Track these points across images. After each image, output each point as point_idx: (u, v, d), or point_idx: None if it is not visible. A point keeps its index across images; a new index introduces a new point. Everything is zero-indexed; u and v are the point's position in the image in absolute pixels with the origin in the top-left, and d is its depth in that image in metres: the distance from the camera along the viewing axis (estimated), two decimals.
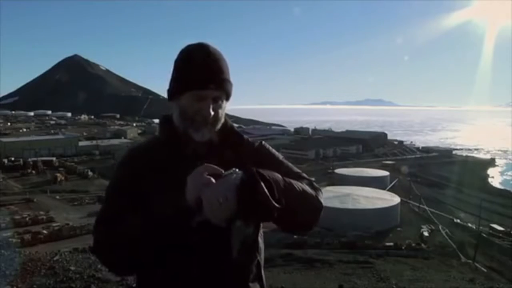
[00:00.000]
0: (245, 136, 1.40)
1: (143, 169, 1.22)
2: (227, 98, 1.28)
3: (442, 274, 20.52)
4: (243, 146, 1.34)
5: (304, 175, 1.30)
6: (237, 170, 1.01)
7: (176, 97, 1.25)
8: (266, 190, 0.96)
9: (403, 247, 26.98)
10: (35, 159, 59.28)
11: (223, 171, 1.02)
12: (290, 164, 1.35)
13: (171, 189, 1.07)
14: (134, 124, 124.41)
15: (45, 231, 27.49)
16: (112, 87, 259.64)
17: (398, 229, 32.41)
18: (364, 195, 36.96)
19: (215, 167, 1.03)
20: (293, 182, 1.15)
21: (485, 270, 23.15)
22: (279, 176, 1.09)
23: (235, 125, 1.41)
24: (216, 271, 1.18)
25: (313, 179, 1.29)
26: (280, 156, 1.38)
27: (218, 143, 1.27)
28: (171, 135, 1.27)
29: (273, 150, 1.40)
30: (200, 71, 1.20)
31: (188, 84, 1.21)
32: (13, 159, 59.51)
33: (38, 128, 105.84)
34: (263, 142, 1.40)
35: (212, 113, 1.21)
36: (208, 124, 1.22)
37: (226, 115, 1.31)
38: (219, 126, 1.27)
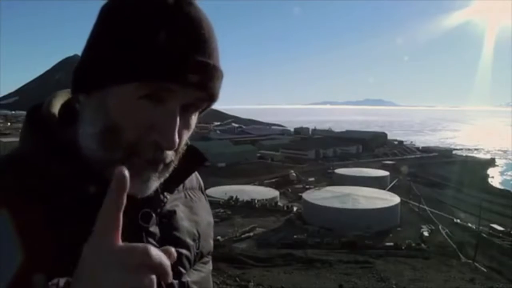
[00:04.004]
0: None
1: None
2: (209, 105, 0.62)
3: (442, 274, 20.54)
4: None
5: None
6: None
7: (101, 88, 0.55)
8: None
9: (403, 247, 27.01)
10: None
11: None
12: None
13: None
14: None
15: None
16: None
17: (398, 229, 32.45)
18: (364, 195, 37.00)
19: None
20: None
21: (485, 270, 23.18)
22: None
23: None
24: None
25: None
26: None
27: (165, 192, 0.66)
28: (73, 170, 0.57)
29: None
30: (176, 39, 0.53)
31: (142, 64, 0.52)
32: None
33: None
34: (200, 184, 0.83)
35: (177, 139, 0.56)
36: (160, 164, 0.58)
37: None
38: (173, 164, 0.61)
